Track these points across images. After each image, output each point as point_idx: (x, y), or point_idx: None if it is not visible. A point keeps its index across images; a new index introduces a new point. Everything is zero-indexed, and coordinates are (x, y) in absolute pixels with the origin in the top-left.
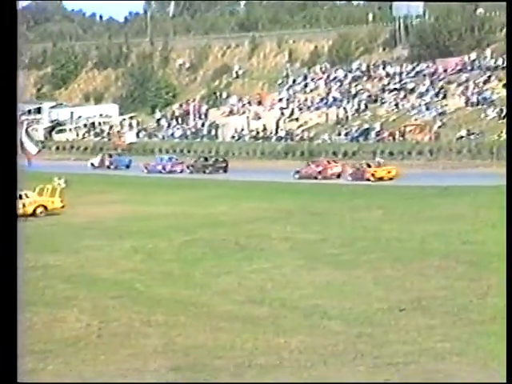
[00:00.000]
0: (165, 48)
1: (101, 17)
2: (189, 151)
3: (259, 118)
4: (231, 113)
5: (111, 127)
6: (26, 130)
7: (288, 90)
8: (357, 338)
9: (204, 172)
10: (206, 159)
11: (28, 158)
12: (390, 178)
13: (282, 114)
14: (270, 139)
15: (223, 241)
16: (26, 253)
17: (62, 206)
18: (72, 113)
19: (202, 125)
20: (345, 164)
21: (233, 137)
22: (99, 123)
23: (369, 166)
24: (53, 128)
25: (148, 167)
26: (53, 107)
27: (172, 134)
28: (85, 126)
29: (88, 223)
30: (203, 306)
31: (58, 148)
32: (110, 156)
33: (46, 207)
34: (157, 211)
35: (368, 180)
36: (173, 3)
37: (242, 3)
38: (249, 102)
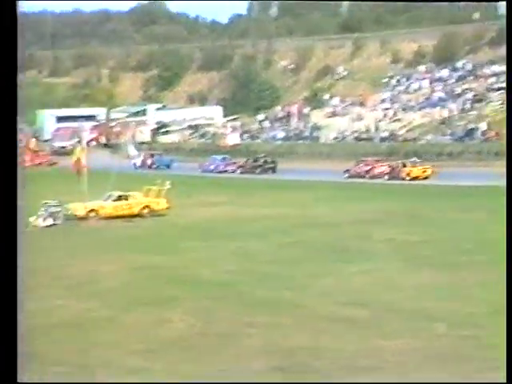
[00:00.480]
0: (268, 50)
1: (205, 19)
2: (291, 153)
3: (361, 118)
4: (334, 114)
5: (215, 129)
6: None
7: (391, 90)
8: (462, 341)
9: (253, 172)
10: (255, 160)
11: (131, 159)
12: (425, 178)
13: (385, 114)
14: (373, 140)
15: (324, 242)
16: (132, 253)
17: (167, 207)
18: (177, 115)
19: (305, 126)
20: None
21: (335, 138)
22: (203, 125)
23: (404, 165)
24: (158, 130)
25: (203, 167)
26: (158, 109)
27: (274, 136)
28: (189, 127)
29: (191, 224)
30: (305, 307)
31: (163, 150)
32: (152, 156)
33: (151, 208)
34: (257, 213)
35: (403, 179)
36: (276, 5)
37: (345, 4)
38: (351, 103)
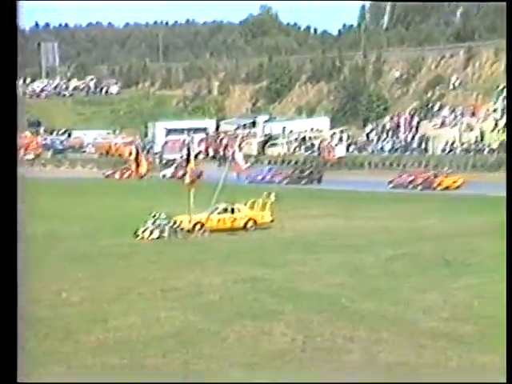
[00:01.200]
0: (378, 60)
1: (315, 30)
2: (398, 165)
3: (472, 129)
4: (443, 125)
5: (322, 141)
6: (240, 144)
7: (504, 100)
8: None
9: (299, 183)
10: (302, 171)
11: (237, 172)
12: (457, 187)
13: (496, 124)
14: (483, 151)
15: (430, 256)
16: (236, 265)
17: (272, 221)
18: (284, 127)
19: (413, 137)
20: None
21: (443, 149)
22: (310, 137)
23: (435, 176)
24: (266, 142)
25: (250, 177)
26: (266, 121)
27: (382, 148)
28: (296, 140)
29: (294, 237)
30: (407, 322)
31: (269, 162)
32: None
33: (256, 221)
34: (361, 225)
35: (434, 189)
36: (387, 15)
37: (458, 13)
38: (461, 114)
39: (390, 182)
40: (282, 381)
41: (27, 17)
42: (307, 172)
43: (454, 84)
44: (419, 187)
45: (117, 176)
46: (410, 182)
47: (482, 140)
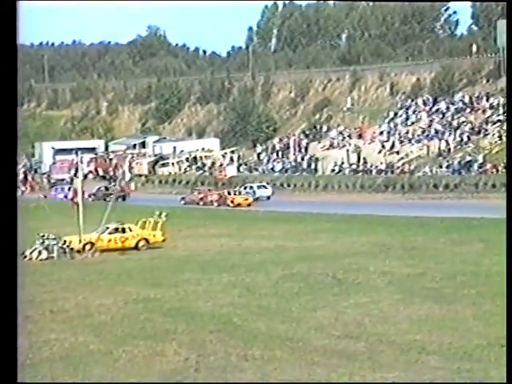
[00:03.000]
0: (266, 82)
1: (204, 52)
2: (288, 185)
3: (359, 151)
4: (331, 146)
5: (213, 161)
6: (130, 165)
7: (389, 122)
8: (456, 374)
9: (105, 199)
10: (106, 188)
11: (128, 192)
12: (248, 205)
13: (383, 146)
14: (370, 172)
15: (320, 275)
16: (127, 286)
17: (163, 240)
18: (175, 147)
19: (302, 158)
20: None
21: (332, 170)
22: (201, 157)
23: (229, 193)
24: (156, 162)
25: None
26: (156, 141)
27: (272, 168)
28: (187, 160)
29: (187, 257)
30: (299, 340)
31: (160, 182)
32: None
33: (147, 241)
34: (254, 245)
35: (228, 206)
36: (274, 38)
37: (344, 37)
38: (349, 136)
39: (182, 199)
40: None
41: None
42: (111, 189)
43: (340, 107)
44: (215, 203)
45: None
46: (201, 199)
47: (373, 162)
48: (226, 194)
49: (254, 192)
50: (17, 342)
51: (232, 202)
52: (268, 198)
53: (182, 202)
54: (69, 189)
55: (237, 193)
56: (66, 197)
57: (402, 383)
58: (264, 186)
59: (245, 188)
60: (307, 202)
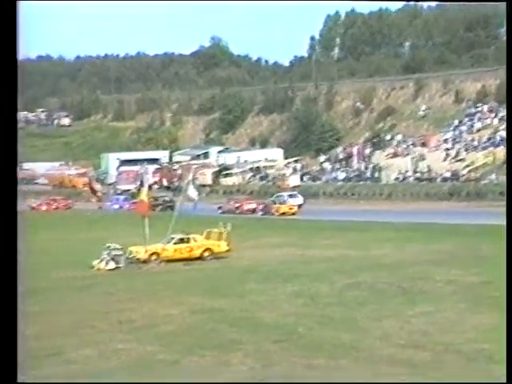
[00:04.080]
0: (329, 91)
1: (266, 61)
2: (352, 194)
3: (424, 159)
4: (395, 155)
5: (276, 171)
6: (194, 176)
7: (454, 130)
8: None
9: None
10: (155, 199)
11: (194, 203)
12: (293, 214)
13: (448, 154)
14: (435, 180)
15: (385, 284)
16: (193, 296)
17: (228, 250)
18: (238, 157)
19: (366, 167)
20: None
21: (396, 178)
22: (264, 167)
23: (274, 202)
24: (220, 172)
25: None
26: (220, 152)
27: (335, 177)
28: (250, 170)
29: (252, 267)
30: (364, 349)
31: (224, 192)
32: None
33: (212, 251)
34: (318, 254)
35: (273, 214)
36: (337, 47)
37: (407, 45)
38: (413, 144)
39: (219, 208)
40: None
41: None
42: (160, 200)
43: (404, 114)
44: (260, 213)
45: (44, 208)
46: (237, 207)
47: (438, 169)
48: (271, 203)
49: (285, 201)
50: (17, 342)
51: (277, 211)
52: (299, 206)
53: (220, 211)
54: (124, 199)
55: (271, 202)
56: (121, 207)
57: (412, 383)
58: (295, 194)
59: (277, 197)
60: (371, 210)
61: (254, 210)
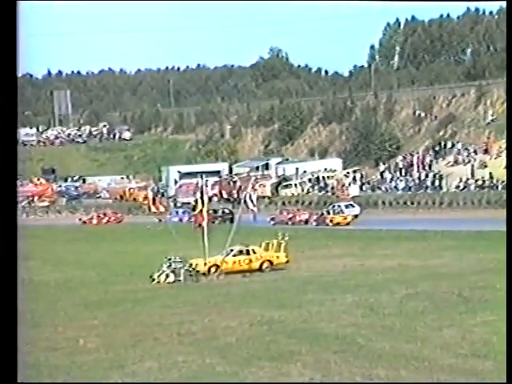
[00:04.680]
0: (389, 100)
1: (326, 72)
2: (412, 203)
3: (485, 166)
4: (456, 162)
5: (335, 181)
6: (253, 186)
7: None
8: None
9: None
10: (215, 211)
11: (253, 214)
12: (347, 224)
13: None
14: (497, 188)
15: (445, 293)
16: (252, 308)
17: (287, 261)
18: (297, 168)
19: (426, 176)
20: None
21: (457, 186)
22: (323, 177)
23: (328, 212)
24: (279, 183)
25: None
26: (279, 163)
27: (395, 187)
28: (309, 180)
29: (310, 277)
30: (425, 359)
31: (283, 203)
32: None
33: (271, 262)
34: (376, 264)
35: (327, 225)
36: (397, 55)
37: (468, 52)
38: (474, 151)
39: (272, 219)
40: None
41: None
42: (220, 212)
43: (463, 122)
44: (314, 223)
45: (94, 221)
46: (289, 218)
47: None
48: (325, 213)
49: (342, 211)
50: (17, 342)
51: (331, 221)
52: (356, 216)
53: (272, 222)
54: (183, 212)
55: (325, 212)
56: (180, 220)
57: (412, 383)
58: (352, 204)
59: (333, 207)
60: (431, 219)
61: (306, 221)
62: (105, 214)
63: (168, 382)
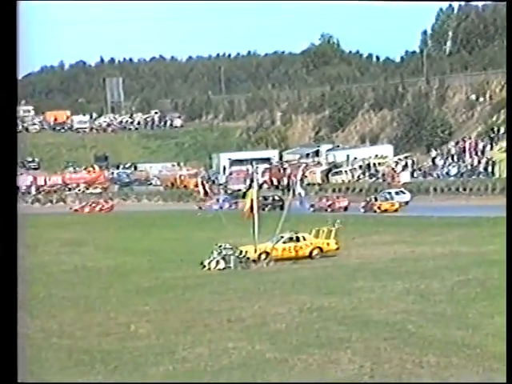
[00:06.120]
0: (441, 86)
1: (377, 58)
2: (464, 189)
3: None
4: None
5: (386, 168)
6: (303, 173)
7: None
8: None
9: (263, 210)
10: (265, 198)
11: (301, 201)
12: (395, 210)
13: None
14: None
15: (497, 280)
16: (301, 295)
17: (337, 248)
18: (348, 155)
19: (479, 162)
20: None
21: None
22: (374, 164)
23: (376, 199)
24: (329, 170)
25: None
26: (330, 150)
27: (447, 173)
28: (360, 167)
29: (360, 264)
30: (476, 346)
31: (334, 190)
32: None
33: (321, 249)
34: (427, 251)
35: (375, 212)
36: (450, 41)
37: None
38: None
39: (312, 206)
40: None
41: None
42: (270, 199)
43: None
44: (362, 210)
45: (86, 210)
46: (329, 205)
47: None
48: (373, 199)
49: (392, 197)
50: (17, 342)
51: (379, 207)
52: (406, 203)
53: (311, 209)
54: (224, 200)
55: (373, 199)
56: (221, 208)
57: (412, 383)
58: (402, 191)
59: (383, 194)
60: (484, 205)
61: (346, 208)
62: (97, 203)
63: (218, 368)
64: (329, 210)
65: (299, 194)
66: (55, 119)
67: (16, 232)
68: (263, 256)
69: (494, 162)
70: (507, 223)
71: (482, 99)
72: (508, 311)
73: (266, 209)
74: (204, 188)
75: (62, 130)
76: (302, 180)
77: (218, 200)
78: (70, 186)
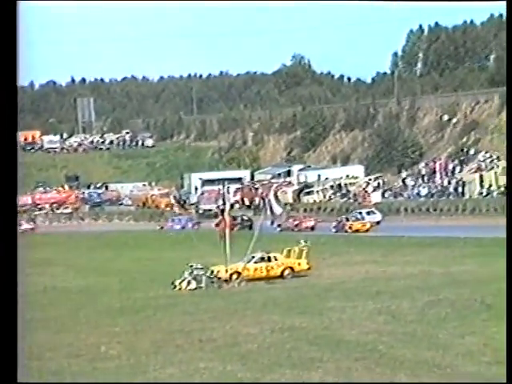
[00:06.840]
0: (412, 107)
1: (349, 78)
2: (435, 209)
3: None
4: (479, 169)
5: (357, 188)
6: (275, 193)
7: None
8: None
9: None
10: (234, 218)
11: (272, 221)
12: (366, 230)
13: None
14: None
15: (468, 300)
16: (273, 315)
17: (309, 268)
18: (319, 175)
19: (449, 182)
20: None
21: (480, 193)
22: (345, 184)
23: (347, 219)
24: (301, 190)
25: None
26: (301, 170)
27: (418, 193)
28: (331, 187)
29: (332, 284)
30: (447, 367)
31: (305, 210)
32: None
33: (293, 269)
34: (398, 271)
35: (346, 232)
36: (420, 62)
37: (492, 58)
38: (497, 158)
39: (279, 226)
40: None
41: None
42: (239, 219)
43: (488, 129)
44: (333, 230)
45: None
46: (296, 225)
47: None
48: (344, 219)
49: (363, 217)
50: (17, 342)
51: (350, 227)
52: (377, 223)
53: (278, 229)
54: (187, 220)
55: (344, 219)
56: (183, 228)
57: (412, 383)
58: (373, 211)
59: (354, 214)
60: (454, 226)
61: (312, 228)
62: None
63: None
64: (295, 229)
65: (275, 213)
66: (25, 139)
67: (16, 241)
68: (235, 276)
69: (463, 182)
70: (507, 220)
71: (452, 120)
72: (508, 312)
73: (235, 228)
74: (179, 203)
75: (32, 150)
76: (277, 199)
77: (179, 220)
78: (40, 206)
